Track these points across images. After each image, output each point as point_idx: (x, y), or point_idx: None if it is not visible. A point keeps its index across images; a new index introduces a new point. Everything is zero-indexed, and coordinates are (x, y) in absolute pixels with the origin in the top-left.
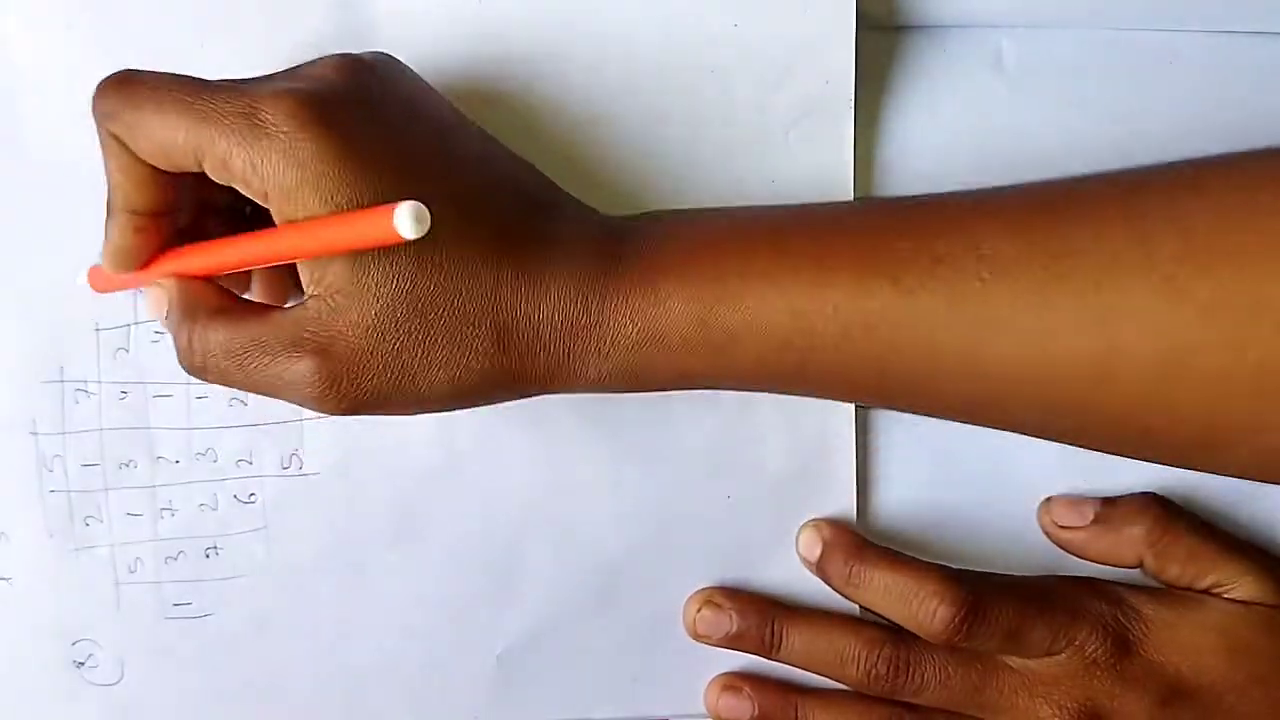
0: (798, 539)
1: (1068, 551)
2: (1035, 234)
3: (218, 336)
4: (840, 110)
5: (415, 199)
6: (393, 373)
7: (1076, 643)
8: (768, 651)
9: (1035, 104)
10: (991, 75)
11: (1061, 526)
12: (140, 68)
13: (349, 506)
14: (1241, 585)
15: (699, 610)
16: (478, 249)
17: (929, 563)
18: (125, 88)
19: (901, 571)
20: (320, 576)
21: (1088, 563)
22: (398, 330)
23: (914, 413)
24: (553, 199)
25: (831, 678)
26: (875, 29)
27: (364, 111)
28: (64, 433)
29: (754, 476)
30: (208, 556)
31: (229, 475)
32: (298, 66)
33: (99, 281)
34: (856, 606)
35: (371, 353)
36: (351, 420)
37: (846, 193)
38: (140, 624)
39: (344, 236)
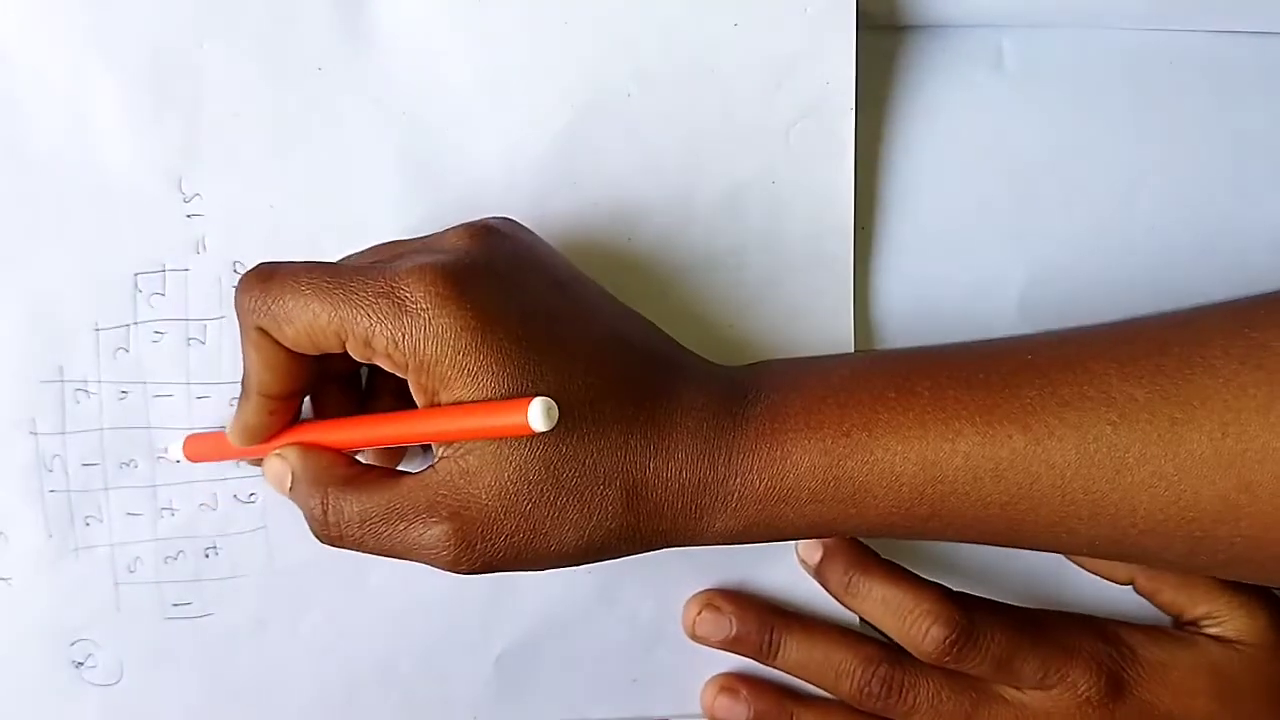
0: (798, 543)
1: (1065, 556)
2: (1160, 377)
3: (352, 506)
4: (841, 110)
5: (551, 370)
6: (525, 532)
7: (1069, 679)
8: (765, 658)
9: (1035, 104)
10: (992, 75)
11: None
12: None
13: None
14: (1233, 620)
15: (699, 613)
16: (609, 410)
17: (929, 581)
18: (266, 281)
19: (899, 586)
20: (319, 577)
21: (1084, 572)
22: (530, 492)
23: (1048, 551)
24: (674, 353)
25: (825, 689)
26: (876, 29)
27: (498, 282)
28: (64, 432)
29: None
30: (207, 556)
31: (229, 475)
32: (427, 237)
33: (197, 452)
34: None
35: (505, 514)
36: None
37: (847, 193)
38: (140, 624)
39: (479, 426)
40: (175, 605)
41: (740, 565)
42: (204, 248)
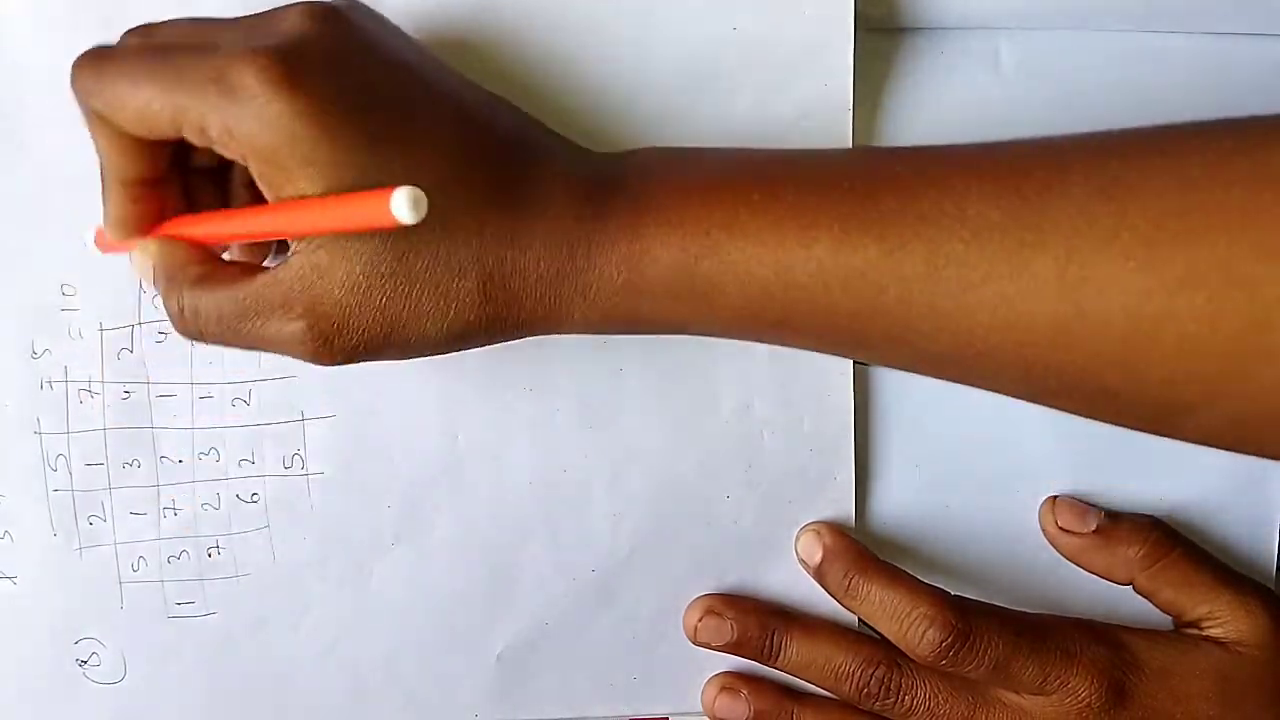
0: (797, 542)
1: (1064, 556)
2: (1016, 199)
3: (207, 302)
4: (839, 112)
5: (399, 158)
6: (381, 325)
7: (1070, 685)
8: (766, 659)
9: (1033, 105)
10: (989, 77)
11: (1063, 529)
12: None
13: (351, 506)
14: (1234, 620)
15: (700, 619)
16: (462, 199)
17: (927, 584)
18: (98, 63)
19: (898, 588)
20: (321, 576)
21: (1084, 573)
22: (384, 284)
23: (886, 365)
24: (535, 139)
25: (825, 689)
26: (874, 31)
27: (337, 64)
28: (68, 432)
29: (753, 477)
30: (210, 556)
31: (232, 475)
32: (266, 14)
33: (103, 242)
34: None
35: (359, 308)
36: (353, 420)
37: None
38: (143, 623)
39: (340, 219)
40: (178, 604)
41: (739, 564)
42: None
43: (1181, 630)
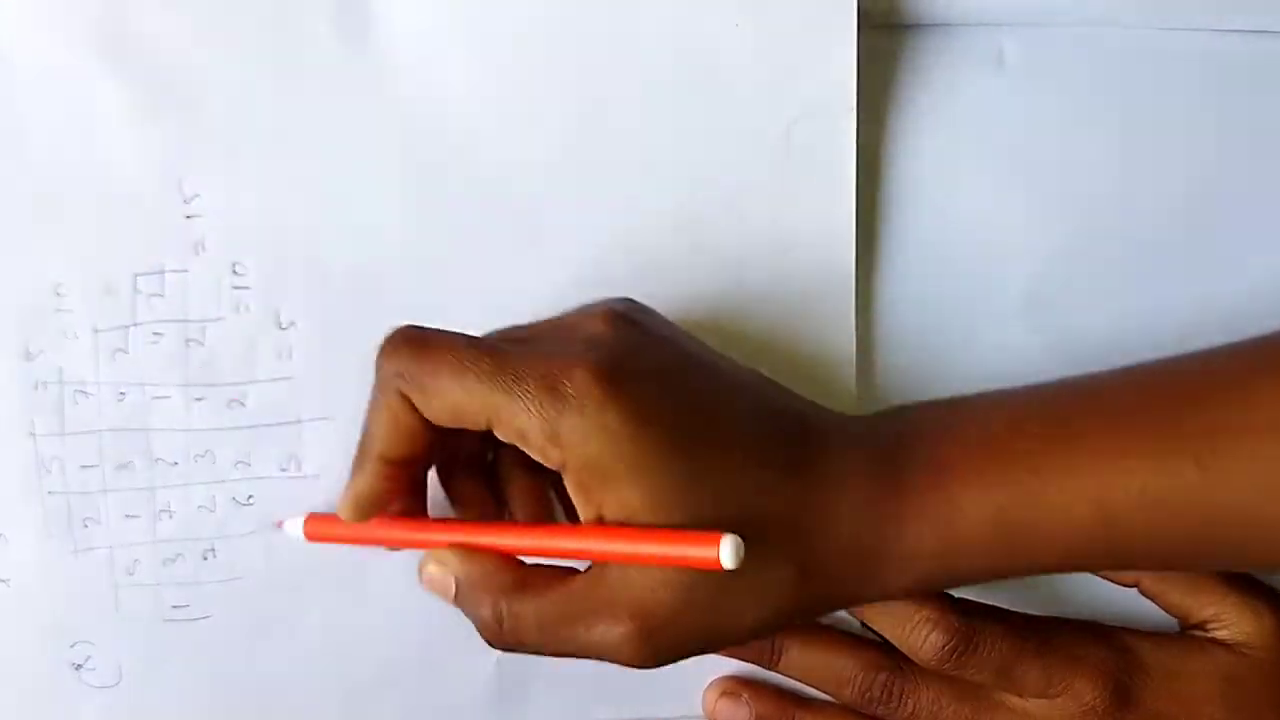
0: None
1: None
2: None
3: (527, 611)
4: (842, 110)
5: (717, 464)
6: (704, 626)
7: (1074, 689)
8: (768, 663)
9: (1036, 102)
10: (993, 74)
11: None
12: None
13: None
14: (1240, 623)
15: None
16: (777, 494)
17: None
18: (420, 349)
19: None
20: (318, 579)
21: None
22: (708, 586)
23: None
24: (807, 410)
25: (827, 694)
26: (876, 28)
27: (653, 376)
28: (62, 434)
29: None
30: (206, 559)
31: (228, 477)
32: (569, 319)
33: (319, 531)
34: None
35: (685, 608)
36: (350, 423)
37: (848, 193)
38: (138, 626)
39: (662, 554)
40: (174, 607)
41: None
42: (203, 249)
43: (1187, 632)
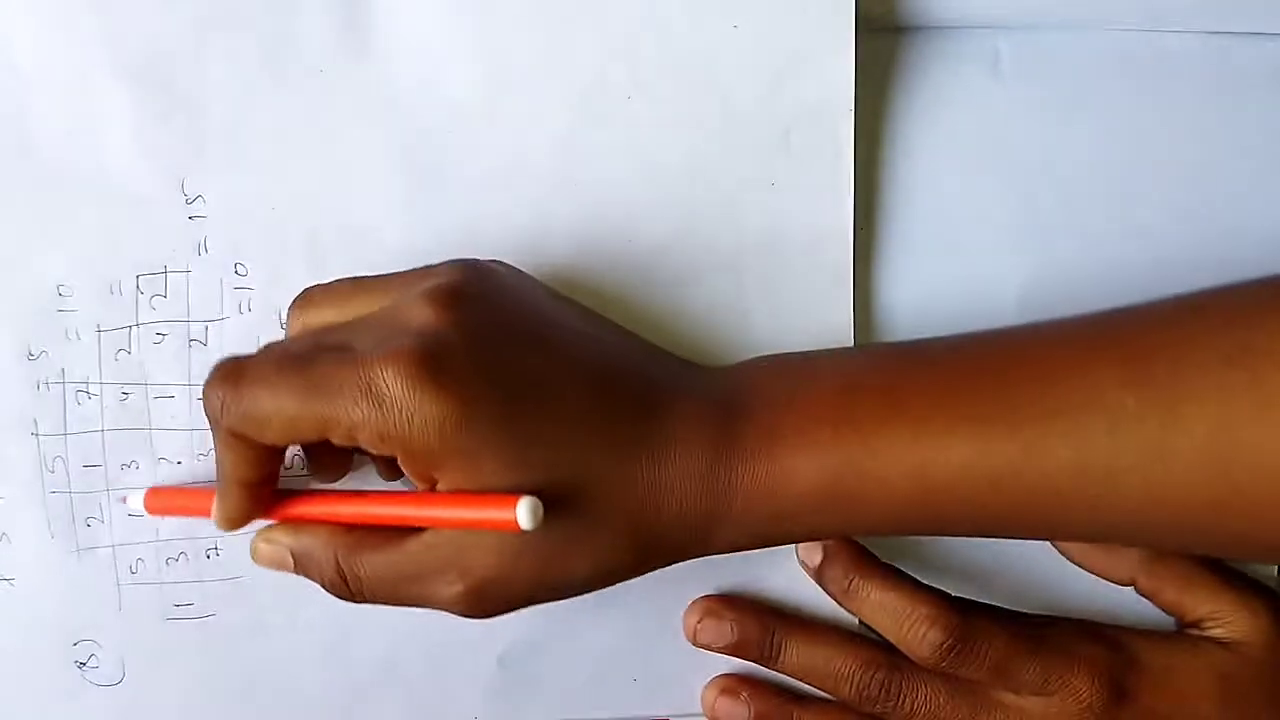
0: (798, 544)
1: (1064, 556)
2: (1149, 387)
3: (367, 569)
4: (840, 112)
5: (542, 444)
6: (533, 583)
7: (1070, 686)
8: (766, 661)
9: (1033, 105)
10: (989, 76)
11: None
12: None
13: None
14: (1236, 621)
15: (699, 620)
16: (608, 460)
17: (928, 586)
18: (236, 382)
19: (897, 590)
20: None
21: (1085, 573)
22: (537, 548)
23: (1046, 539)
24: (658, 374)
25: (825, 691)
26: (874, 30)
27: (476, 358)
28: (65, 434)
29: None
30: (209, 557)
31: None
32: (396, 307)
33: (158, 505)
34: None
35: (513, 569)
36: None
37: (846, 194)
38: (141, 625)
39: (469, 517)
40: (177, 606)
41: (740, 568)
42: (206, 249)
43: (1183, 631)
